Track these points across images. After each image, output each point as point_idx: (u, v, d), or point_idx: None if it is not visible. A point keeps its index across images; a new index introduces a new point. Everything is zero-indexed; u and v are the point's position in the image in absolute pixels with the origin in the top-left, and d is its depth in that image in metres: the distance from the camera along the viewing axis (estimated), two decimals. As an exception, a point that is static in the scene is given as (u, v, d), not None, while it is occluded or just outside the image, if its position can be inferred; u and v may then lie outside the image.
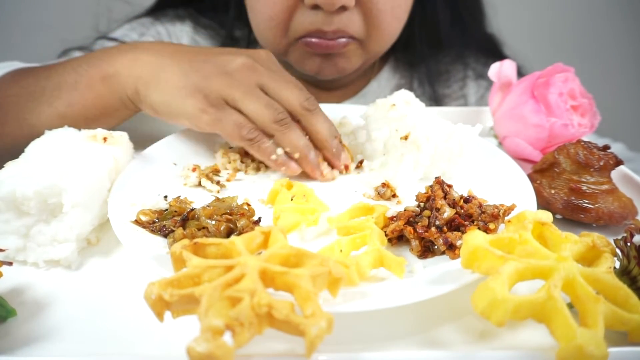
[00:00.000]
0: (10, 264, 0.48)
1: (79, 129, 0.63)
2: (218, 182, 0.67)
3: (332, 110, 0.81)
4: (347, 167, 0.70)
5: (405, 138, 0.65)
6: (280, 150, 0.65)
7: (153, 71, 0.67)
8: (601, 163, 0.61)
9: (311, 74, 0.94)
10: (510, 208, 0.55)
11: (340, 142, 0.69)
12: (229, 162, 0.71)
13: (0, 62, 0.84)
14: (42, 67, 0.78)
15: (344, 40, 0.87)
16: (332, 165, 0.69)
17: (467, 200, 0.55)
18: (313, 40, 0.87)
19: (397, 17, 0.91)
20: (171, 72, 0.66)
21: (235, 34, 1.07)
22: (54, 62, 0.80)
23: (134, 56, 0.68)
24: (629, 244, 0.47)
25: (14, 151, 0.67)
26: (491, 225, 0.52)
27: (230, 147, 0.74)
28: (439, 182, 0.56)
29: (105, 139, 0.61)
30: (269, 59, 0.70)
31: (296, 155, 0.66)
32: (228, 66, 0.65)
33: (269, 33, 0.90)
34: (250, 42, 1.06)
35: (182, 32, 1.08)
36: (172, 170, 0.68)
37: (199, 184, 0.66)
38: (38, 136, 0.61)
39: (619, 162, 0.62)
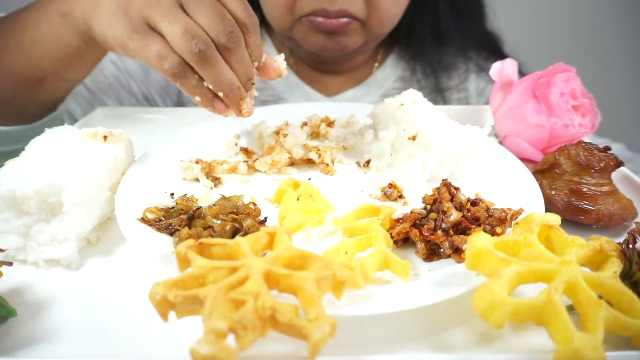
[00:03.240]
0: (10, 264, 0.48)
1: (50, 73, 0.65)
2: (215, 178, 0.66)
3: (341, 109, 0.81)
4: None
5: (413, 138, 0.65)
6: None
7: (93, 1, 0.65)
8: (602, 164, 0.61)
9: (315, 50, 0.98)
10: (518, 212, 0.55)
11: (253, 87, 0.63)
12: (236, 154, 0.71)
13: None
14: (15, 10, 0.78)
15: (345, 19, 0.92)
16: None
17: (474, 203, 0.55)
18: (318, 19, 0.92)
19: (396, 1, 0.96)
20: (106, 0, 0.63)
21: None
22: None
23: None
24: (631, 247, 0.47)
25: None
26: (498, 229, 0.52)
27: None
28: (446, 184, 0.56)
29: (105, 137, 0.60)
30: None
31: (220, 94, 0.60)
32: None
33: (276, 10, 0.95)
34: None
35: None
36: (179, 167, 0.68)
37: (197, 179, 0.66)
38: (10, 78, 0.65)
39: (619, 164, 0.62)
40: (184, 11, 0.58)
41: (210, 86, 0.59)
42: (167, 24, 0.57)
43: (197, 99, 0.60)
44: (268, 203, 0.63)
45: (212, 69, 0.58)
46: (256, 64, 0.62)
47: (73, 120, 0.96)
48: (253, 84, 0.63)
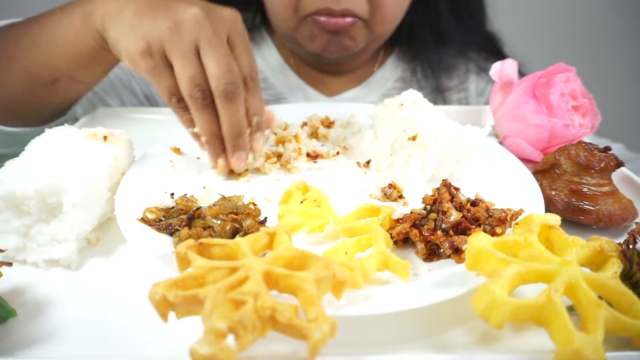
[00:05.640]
0: (10, 264, 0.48)
1: (65, 74, 0.67)
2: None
3: (341, 109, 0.81)
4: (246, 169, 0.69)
5: (413, 139, 0.65)
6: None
7: (119, 7, 0.67)
8: (602, 165, 0.61)
9: (318, 51, 0.99)
10: (518, 213, 0.55)
11: (257, 136, 0.68)
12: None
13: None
14: (42, 12, 0.80)
15: (350, 19, 0.93)
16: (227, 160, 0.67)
17: (474, 203, 0.55)
18: (322, 18, 0.93)
19: (399, 0, 0.97)
20: (131, 9, 0.65)
21: (243, 16, 1.08)
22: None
23: None
24: (631, 247, 0.47)
25: (7, 93, 0.70)
26: (498, 230, 0.52)
27: None
28: (446, 184, 0.56)
29: (105, 137, 0.60)
30: (225, 21, 0.65)
31: (202, 138, 0.65)
32: (179, 14, 0.63)
33: (281, 10, 0.95)
34: (254, 26, 1.12)
35: None
36: (179, 168, 0.68)
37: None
38: (24, 76, 0.66)
39: (619, 164, 0.62)
40: (198, 55, 0.62)
41: (196, 130, 0.65)
42: (180, 65, 0.61)
43: (190, 130, 0.66)
44: (268, 203, 0.63)
45: (202, 115, 0.63)
46: (254, 119, 0.66)
47: (75, 119, 0.96)
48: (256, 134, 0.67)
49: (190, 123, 0.65)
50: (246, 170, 0.69)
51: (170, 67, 0.63)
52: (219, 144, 0.66)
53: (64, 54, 0.73)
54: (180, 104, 0.64)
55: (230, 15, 0.66)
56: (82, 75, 0.77)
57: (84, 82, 0.81)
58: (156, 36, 0.62)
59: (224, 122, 0.63)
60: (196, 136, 0.66)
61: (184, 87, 0.62)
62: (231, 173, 0.69)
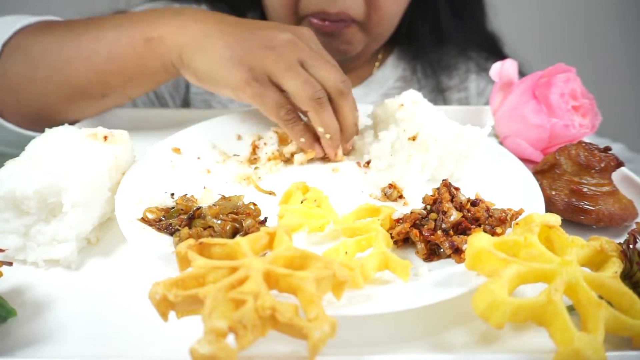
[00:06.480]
0: (10, 264, 0.48)
1: (116, 90, 0.69)
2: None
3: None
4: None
5: (413, 139, 0.65)
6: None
7: (199, 39, 0.68)
8: (602, 165, 0.61)
9: None
10: (518, 213, 0.55)
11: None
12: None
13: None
14: (77, 20, 0.78)
15: (344, 22, 0.94)
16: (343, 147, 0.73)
17: (474, 203, 0.55)
18: (315, 21, 0.93)
19: (396, 0, 0.96)
20: (217, 42, 0.68)
21: (248, 16, 1.08)
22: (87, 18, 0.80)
23: (180, 22, 0.70)
24: (631, 247, 0.47)
25: (43, 101, 0.70)
26: (498, 230, 0.52)
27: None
28: (446, 184, 0.56)
29: (105, 137, 0.60)
30: (310, 37, 0.72)
31: (327, 136, 0.69)
32: (273, 41, 0.67)
33: (281, 10, 0.96)
34: None
35: None
36: (179, 168, 0.68)
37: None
38: (70, 89, 0.67)
39: (620, 164, 0.62)
40: (303, 67, 0.67)
41: (319, 129, 0.69)
42: (290, 78, 0.66)
43: (302, 140, 0.70)
44: (268, 195, 0.64)
45: (327, 114, 0.68)
46: (357, 112, 0.72)
47: None
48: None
49: (302, 133, 0.70)
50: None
51: (274, 85, 0.67)
52: (339, 137, 0.70)
53: (121, 74, 0.72)
54: (290, 115, 0.68)
55: (310, 33, 0.73)
56: (133, 91, 0.77)
57: (132, 97, 0.79)
58: (258, 62, 0.66)
59: (346, 115, 0.69)
60: (308, 144, 0.70)
61: (302, 93, 0.66)
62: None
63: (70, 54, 0.72)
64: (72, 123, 0.80)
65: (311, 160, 0.73)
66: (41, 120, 0.76)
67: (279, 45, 0.67)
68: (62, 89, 0.73)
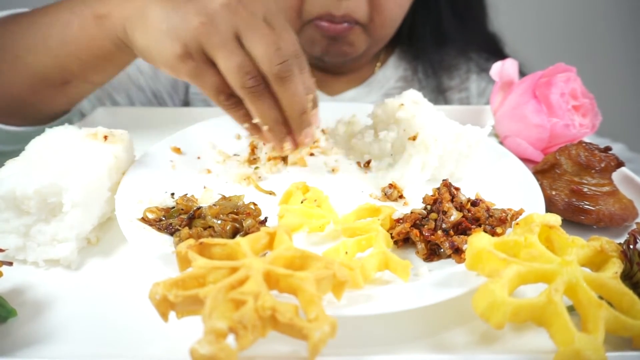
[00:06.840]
0: (10, 264, 0.48)
1: (77, 76, 0.65)
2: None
3: (342, 109, 0.82)
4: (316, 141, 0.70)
5: (414, 139, 0.65)
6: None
7: (139, 10, 0.63)
8: (602, 165, 0.61)
9: (318, 55, 1.00)
10: (519, 213, 0.55)
11: (315, 111, 0.65)
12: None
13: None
14: (39, 7, 0.76)
15: (346, 24, 0.94)
16: (294, 140, 0.65)
17: (474, 203, 0.55)
18: (322, 23, 0.93)
19: (399, 3, 0.97)
20: (155, 12, 0.61)
21: None
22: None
23: None
24: (631, 247, 0.47)
25: (11, 93, 0.68)
26: (498, 230, 0.52)
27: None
28: (446, 184, 0.56)
29: (105, 137, 0.60)
30: (256, 2, 0.61)
31: (264, 127, 0.62)
32: (209, 5, 0.58)
33: (285, 13, 0.95)
34: None
35: None
36: (179, 168, 0.68)
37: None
38: (30, 77, 0.63)
39: (620, 164, 0.62)
40: (240, 42, 0.58)
41: (255, 120, 0.62)
42: (223, 57, 0.58)
43: (246, 126, 0.63)
44: (268, 195, 0.64)
45: (261, 104, 0.60)
46: (310, 96, 0.63)
47: (82, 116, 0.96)
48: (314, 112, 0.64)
49: (245, 118, 0.62)
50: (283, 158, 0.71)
51: (212, 64, 0.59)
52: (283, 129, 0.63)
53: (76, 57, 0.70)
54: (229, 100, 0.61)
55: None
56: (94, 76, 0.75)
57: (95, 83, 0.78)
58: (190, 35, 0.58)
59: (286, 104, 0.60)
60: (253, 130, 0.64)
61: (233, 79, 0.58)
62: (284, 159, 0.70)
63: (28, 40, 0.71)
64: (51, 118, 0.81)
65: (311, 160, 0.72)
66: (13, 113, 0.76)
67: (216, 10, 0.58)
68: (23, 78, 0.71)
